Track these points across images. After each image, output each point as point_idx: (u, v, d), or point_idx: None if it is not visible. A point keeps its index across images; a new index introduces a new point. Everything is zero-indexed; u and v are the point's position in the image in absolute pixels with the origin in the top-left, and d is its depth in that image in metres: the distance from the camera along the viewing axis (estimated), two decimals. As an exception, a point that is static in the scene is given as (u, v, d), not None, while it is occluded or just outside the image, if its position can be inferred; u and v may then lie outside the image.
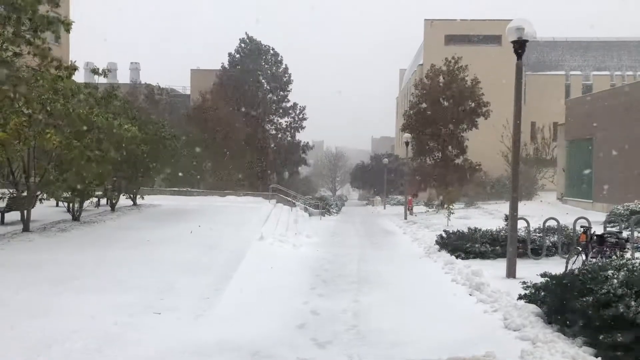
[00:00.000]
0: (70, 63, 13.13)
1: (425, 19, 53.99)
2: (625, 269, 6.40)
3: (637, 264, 6.56)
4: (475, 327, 7.09)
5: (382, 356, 6.14)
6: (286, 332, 6.96)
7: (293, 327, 7.20)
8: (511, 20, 10.37)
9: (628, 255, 9.44)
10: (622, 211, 16.98)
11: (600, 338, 5.71)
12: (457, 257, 12.57)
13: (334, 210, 35.77)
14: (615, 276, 6.17)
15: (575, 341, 6.13)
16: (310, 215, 29.26)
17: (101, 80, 15.36)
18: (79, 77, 13.85)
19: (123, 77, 64.90)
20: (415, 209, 33.22)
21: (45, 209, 17.68)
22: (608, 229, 12.92)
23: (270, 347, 6.31)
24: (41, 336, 6.39)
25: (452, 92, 32.95)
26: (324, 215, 30.59)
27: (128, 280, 9.41)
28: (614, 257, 8.69)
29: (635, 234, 11.41)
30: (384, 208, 42.65)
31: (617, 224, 14.38)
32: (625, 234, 10.99)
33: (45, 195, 15.32)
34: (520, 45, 10.22)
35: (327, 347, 6.43)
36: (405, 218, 27.74)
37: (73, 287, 8.78)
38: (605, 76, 53.03)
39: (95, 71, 14.39)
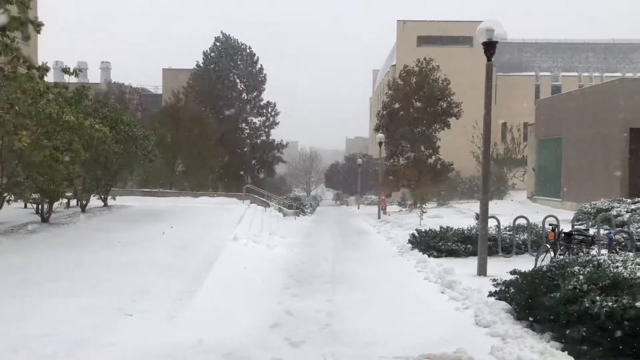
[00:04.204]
0: (42, 64, 12.86)
1: (397, 20, 54.36)
2: (591, 265, 6.57)
3: (602, 261, 6.75)
4: (447, 325, 7.20)
5: (356, 355, 6.18)
6: (260, 333, 6.97)
7: (267, 328, 7.21)
8: (482, 21, 10.53)
9: (594, 252, 9.68)
10: (589, 209, 17.33)
11: (567, 333, 5.85)
12: (429, 255, 12.70)
13: (309, 211, 35.78)
14: (582, 272, 6.34)
15: (543, 336, 6.27)
16: (284, 215, 29.22)
17: (71, 79, 15.06)
18: (48, 76, 13.56)
19: (93, 76, 63.99)
20: (389, 208, 33.44)
21: (14, 211, 17.31)
22: (576, 226, 13.21)
23: (243, 348, 6.30)
24: (8, 341, 6.26)
25: (424, 92, 33.30)
26: (299, 216, 30.57)
27: (99, 283, 9.28)
28: (580, 254, 8.91)
29: (601, 231, 11.69)
30: (358, 208, 42.85)
31: (584, 222, 14.69)
32: (591, 231, 11.27)
33: (13, 196, 15.00)
34: (490, 47, 10.38)
35: (300, 347, 6.45)
36: (379, 217, 27.92)
37: (42, 291, 8.62)
38: (573, 77, 54.20)
39: (66, 70, 14.09)
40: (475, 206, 23.11)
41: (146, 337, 6.60)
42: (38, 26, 12.50)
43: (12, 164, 13.91)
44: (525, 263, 10.00)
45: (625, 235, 11.47)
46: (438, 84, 33.59)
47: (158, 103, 52.43)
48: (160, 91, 61.22)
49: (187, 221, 17.82)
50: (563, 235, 10.02)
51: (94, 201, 21.48)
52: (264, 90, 52.53)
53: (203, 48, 52.06)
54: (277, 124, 52.49)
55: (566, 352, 5.78)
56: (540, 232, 13.18)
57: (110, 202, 22.28)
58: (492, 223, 12.27)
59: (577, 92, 28.78)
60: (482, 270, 10.48)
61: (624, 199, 18.00)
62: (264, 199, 32.62)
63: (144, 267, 10.67)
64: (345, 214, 36.33)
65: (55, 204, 17.13)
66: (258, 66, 52.39)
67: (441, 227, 14.44)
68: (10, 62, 11.91)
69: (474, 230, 13.49)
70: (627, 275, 6.05)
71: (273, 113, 52.22)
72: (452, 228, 14.21)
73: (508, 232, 13.60)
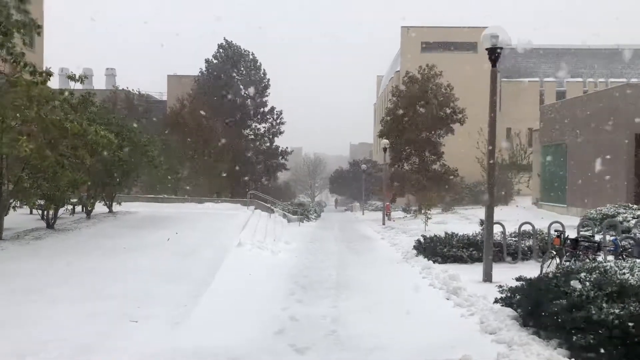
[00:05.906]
0: (45, 69, 12.92)
1: (402, 26, 54.43)
2: (597, 271, 6.54)
3: (608, 267, 6.71)
4: (452, 331, 7.16)
5: (361, 361, 6.17)
6: (265, 339, 6.95)
7: (271, 333, 7.20)
8: (486, 27, 10.53)
9: (600, 258, 9.64)
10: (595, 215, 17.27)
11: (574, 340, 5.81)
12: (434, 261, 12.66)
13: (313, 217, 35.77)
14: (588, 279, 6.31)
15: (549, 343, 6.23)
16: (289, 221, 29.22)
17: (77, 86, 15.12)
18: (53, 83, 13.65)
19: (98, 82, 64.19)
20: (393, 214, 33.41)
21: (19, 217, 17.36)
22: (581, 232, 13.16)
23: (248, 354, 6.29)
24: (14, 347, 6.28)
25: (428, 98, 33.30)
26: (303, 222, 30.57)
27: (104, 289, 9.29)
28: (586, 260, 8.87)
29: (607, 237, 11.65)
30: (363, 214, 42.81)
31: (590, 228, 14.64)
32: (597, 237, 11.23)
33: (18, 202, 15.04)
34: (494, 53, 10.38)
35: (305, 353, 6.43)
36: (384, 223, 27.88)
37: (47, 296, 8.64)
38: (578, 83, 54.09)
39: (71, 77, 14.16)
40: (480, 212, 23.04)
41: (151, 342, 6.60)
42: (38, 27, 12.58)
43: (18, 170, 13.97)
44: (530, 269, 9.95)
45: (631, 242, 11.42)
46: (441, 90, 33.59)
47: (163, 109, 52.56)
48: (164, 97, 61.43)
49: (191, 227, 17.84)
50: (569, 241, 9.98)
51: (99, 207, 21.54)
52: (267, 96, 52.73)
53: (207, 55, 52.26)
54: (282, 132, 52.61)
55: None
56: (546, 238, 13.13)
57: (115, 208, 22.33)
58: (497, 229, 12.23)
59: (582, 98, 28.73)
60: (487, 277, 10.44)
61: (630, 205, 17.94)
62: (268, 205, 32.62)
63: (149, 273, 10.68)
64: (349, 220, 36.29)
65: (61, 210, 17.17)
66: (261, 72, 52.59)
67: (446, 233, 14.40)
68: (14, 68, 11.97)
69: (479, 236, 13.45)
70: (634, 282, 6.02)
71: (278, 121, 52.34)
72: (457, 234, 14.17)
73: (513, 238, 13.56)
